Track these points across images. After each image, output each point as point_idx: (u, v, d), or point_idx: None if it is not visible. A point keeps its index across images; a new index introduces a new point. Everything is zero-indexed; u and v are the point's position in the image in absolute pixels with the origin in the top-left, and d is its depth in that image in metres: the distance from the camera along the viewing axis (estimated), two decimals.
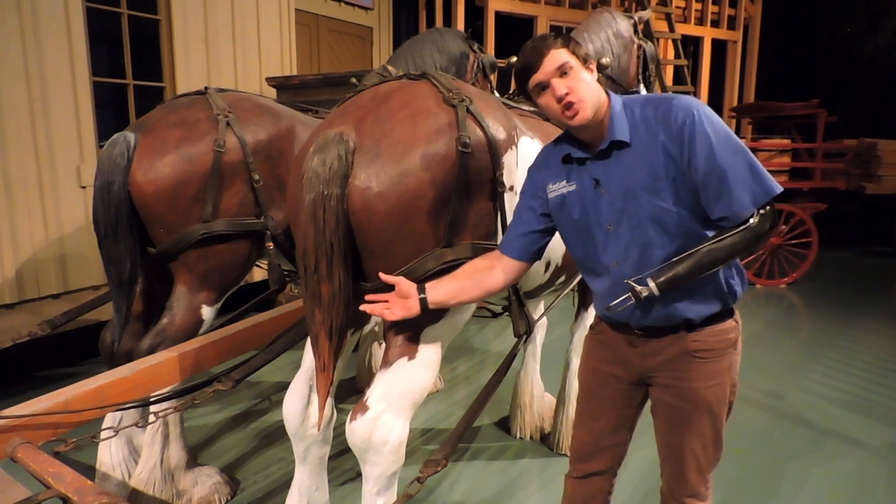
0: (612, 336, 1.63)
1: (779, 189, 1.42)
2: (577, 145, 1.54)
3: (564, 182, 1.56)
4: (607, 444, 1.73)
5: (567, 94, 1.43)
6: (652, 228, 1.46)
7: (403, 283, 1.64)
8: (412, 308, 1.62)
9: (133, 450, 2.46)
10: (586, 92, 1.44)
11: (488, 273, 1.65)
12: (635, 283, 1.42)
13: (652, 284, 1.40)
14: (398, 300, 1.64)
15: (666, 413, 1.61)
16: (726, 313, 1.54)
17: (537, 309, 3.02)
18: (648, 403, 1.68)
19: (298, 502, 2.00)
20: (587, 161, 1.52)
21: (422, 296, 1.62)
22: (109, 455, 2.41)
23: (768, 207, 1.41)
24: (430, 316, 1.73)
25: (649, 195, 1.44)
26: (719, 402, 1.56)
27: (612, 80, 2.88)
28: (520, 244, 1.64)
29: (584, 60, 1.48)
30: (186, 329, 2.26)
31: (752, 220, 1.39)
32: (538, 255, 1.68)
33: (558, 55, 1.45)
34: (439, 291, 1.63)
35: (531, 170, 1.67)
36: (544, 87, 1.47)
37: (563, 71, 1.44)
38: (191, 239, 2.23)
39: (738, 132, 8.21)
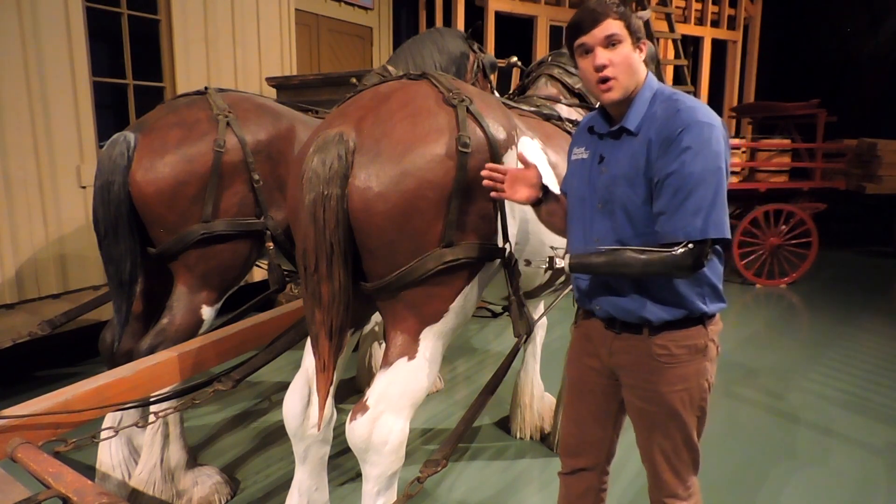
0: (589, 328, 1.67)
1: (717, 235, 1.38)
2: (603, 119, 1.58)
3: (584, 149, 1.62)
4: (592, 438, 1.75)
5: (606, 66, 1.45)
6: (623, 218, 1.50)
7: (535, 171, 1.68)
8: (531, 196, 1.67)
9: (133, 450, 2.46)
10: (624, 71, 1.45)
11: None
12: (556, 253, 1.54)
13: (565, 260, 1.51)
14: (519, 184, 1.66)
15: (635, 414, 1.63)
16: (693, 321, 1.52)
17: (537, 309, 3.02)
18: None
19: (298, 502, 2.00)
20: (603, 137, 1.56)
21: (540, 195, 1.68)
22: (109, 455, 2.41)
23: (693, 245, 1.37)
24: (431, 315, 1.73)
25: (627, 186, 1.47)
26: (686, 407, 1.56)
27: None
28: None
29: (637, 39, 1.47)
30: (186, 329, 2.26)
31: (677, 249, 1.38)
32: None
33: (611, 25, 1.44)
34: (550, 200, 1.71)
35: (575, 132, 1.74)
36: (588, 50, 1.48)
37: (610, 42, 1.45)
38: (191, 239, 2.23)
39: (738, 132, 8.23)
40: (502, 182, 1.65)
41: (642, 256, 1.41)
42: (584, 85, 1.62)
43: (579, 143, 1.66)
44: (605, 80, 1.46)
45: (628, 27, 1.46)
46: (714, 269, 1.52)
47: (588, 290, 1.64)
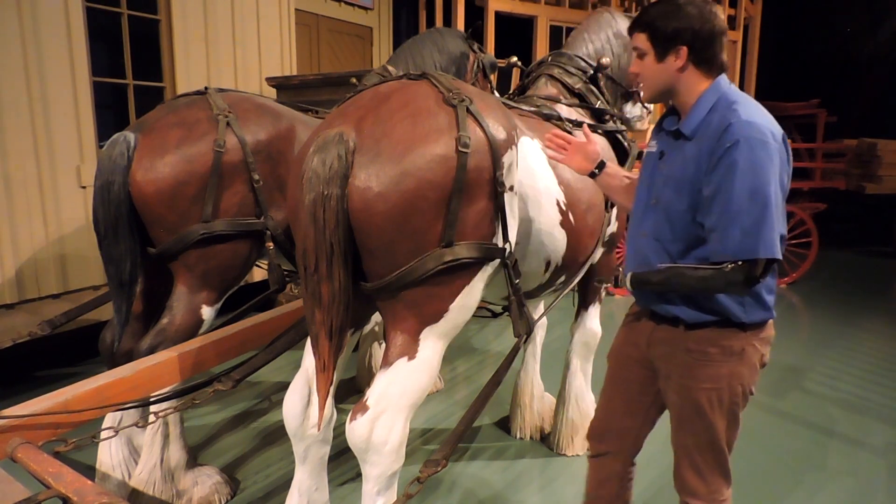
0: (634, 318, 1.76)
1: (766, 255, 1.40)
2: (671, 116, 1.65)
3: (655, 143, 1.69)
4: (618, 426, 1.80)
5: (637, 74, 1.61)
6: (663, 218, 1.56)
7: (596, 146, 1.89)
8: (585, 168, 1.89)
9: (133, 450, 2.46)
10: (647, 80, 1.58)
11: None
12: (620, 270, 1.66)
13: (627, 279, 1.62)
14: (579, 154, 1.89)
15: (669, 407, 1.70)
16: (730, 324, 1.54)
17: (537, 309, 3.02)
18: None
19: (298, 502, 2.00)
20: (669, 133, 1.62)
21: (596, 169, 1.88)
22: (109, 455, 2.41)
23: (742, 263, 1.40)
24: (431, 315, 1.73)
25: (674, 189, 1.53)
26: (713, 407, 1.57)
27: (613, 80, 2.88)
28: None
29: (665, 50, 1.52)
30: (186, 329, 2.26)
31: (727, 266, 1.41)
32: None
33: (637, 39, 1.57)
34: (611, 172, 1.90)
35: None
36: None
37: (638, 53, 1.58)
38: (191, 239, 2.23)
39: None
40: (565, 149, 1.88)
41: (696, 274, 1.46)
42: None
43: (654, 136, 1.73)
44: (639, 84, 1.63)
45: (652, 39, 1.53)
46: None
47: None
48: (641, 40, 1.55)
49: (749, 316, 1.53)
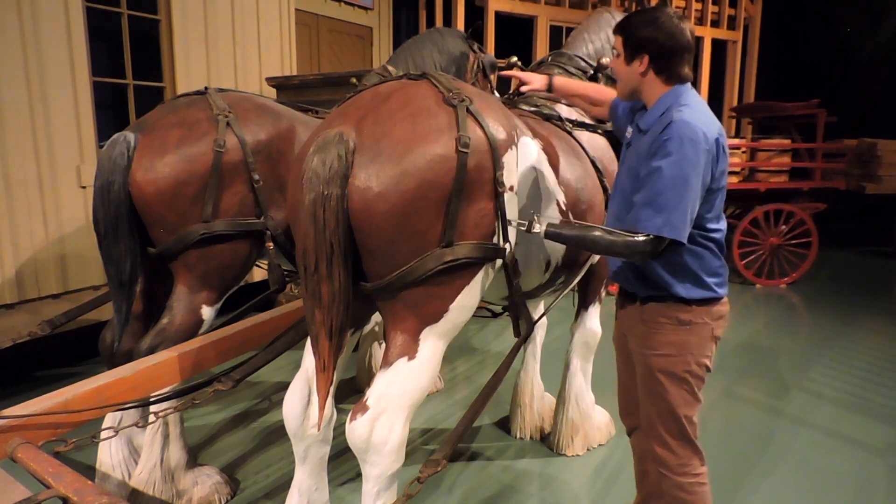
0: (617, 298, 1.95)
1: (671, 235, 1.58)
2: (640, 112, 1.83)
3: (628, 135, 1.88)
4: (634, 401, 1.93)
5: (614, 70, 1.81)
6: (622, 203, 1.76)
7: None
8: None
9: (133, 450, 2.46)
10: (618, 78, 1.79)
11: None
12: (537, 218, 1.75)
13: (543, 226, 1.73)
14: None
15: (637, 379, 1.86)
16: (674, 298, 1.72)
17: (537, 309, 3.02)
18: None
19: (298, 502, 2.00)
20: (635, 128, 1.81)
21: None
22: (109, 455, 2.41)
23: (649, 237, 1.59)
24: (431, 315, 1.73)
25: (628, 177, 1.75)
26: (666, 373, 1.75)
27: (612, 80, 2.88)
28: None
29: (633, 54, 1.71)
30: (186, 329, 2.26)
31: (639, 237, 1.60)
32: None
33: (616, 40, 1.76)
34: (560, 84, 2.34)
35: None
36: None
37: (616, 53, 1.77)
38: (191, 239, 2.23)
39: (737, 132, 8.21)
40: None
41: (608, 237, 1.64)
42: None
43: (630, 129, 1.90)
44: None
45: (624, 42, 1.72)
46: (699, 262, 1.71)
47: (611, 262, 1.91)
48: (618, 42, 1.74)
49: (689, 293, 1.71)
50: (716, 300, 1.74)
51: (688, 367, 1.74)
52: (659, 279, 1.72)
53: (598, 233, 1.66)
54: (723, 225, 1.74)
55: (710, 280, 1.72)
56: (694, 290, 1.71)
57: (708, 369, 1.78)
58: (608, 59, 2.79)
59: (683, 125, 1.58)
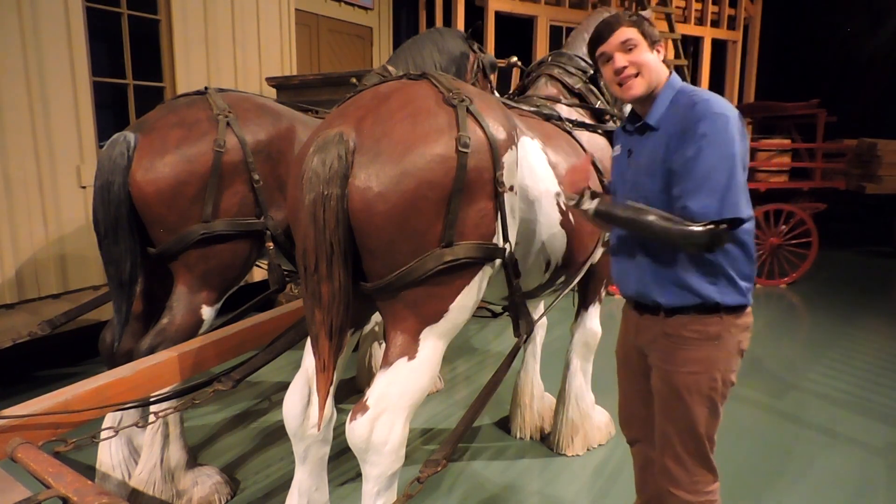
0: (627, 310, 1.82)
1: (732, 215, 1.45)
2: (632, 118, 1.73)
3: (619, 147, 1.78)
4: (638, 414, 1.87)
5: (625, 67, 1.62)
6: (644, 203, 1.59)
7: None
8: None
9: (133, 450, 2.46)
10: (644, 69, 1.62)
11: None
12: (591, 195, 1.65)
13: (593, 204, 1.63)
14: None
15: (654, 394, 1.74)
16: (706, 309, 1.60)
17: (537, 309, 3.02)
18: None
19: (298, 502, 2.00)
20: (632, 133, 1.72)
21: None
22: (109, 455, 2.41)
23: (712, 225, 1.45)
24: (431, 315, 1.73)
25: (648, 176, 1.61)
26: (691, 392, 1.62)
27: None
28: None
29: (653, 42, 1.63)
30: (186, 329, 2.26)
31: (696, 226, 1.46)
32: None
33: (626, 32, 1.62)
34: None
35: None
36: (608, 58, 1.65)
37: (627, 47, 1.62)
38: (191, 239, 2.23)
39: None
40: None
41: (664, 223, 1.49)
42: (609, 90, 1.87)
43: (617, 142, 1.80)
44: (623, 81, 1.62)
45: (643, 32, 1.62)
46: (733, 263, 1.58)
47: (617, 273, 1.78)
48: (632, 33, 1.62)
49: (724, 297, 1.58)
50: (744, 308, 1.63)
51: (714, 385, 1.62)
52: (690, 283, 1.57)
53: (651, 217, 1.51)
54: (751, 213, 1.53)
55: (743, 284, 1.60)
56: (729, 295, 1.58)
57: (732, 384, 1.66)
58: None
59: (712, 103, 1.51)
